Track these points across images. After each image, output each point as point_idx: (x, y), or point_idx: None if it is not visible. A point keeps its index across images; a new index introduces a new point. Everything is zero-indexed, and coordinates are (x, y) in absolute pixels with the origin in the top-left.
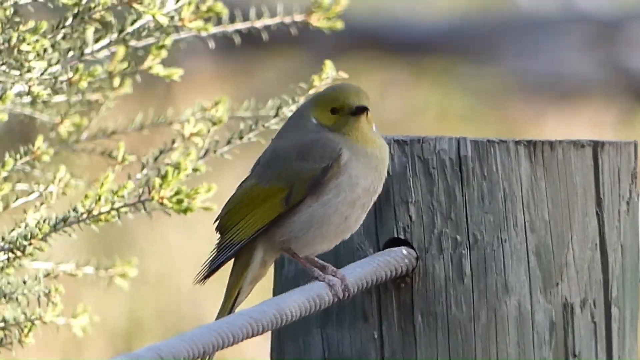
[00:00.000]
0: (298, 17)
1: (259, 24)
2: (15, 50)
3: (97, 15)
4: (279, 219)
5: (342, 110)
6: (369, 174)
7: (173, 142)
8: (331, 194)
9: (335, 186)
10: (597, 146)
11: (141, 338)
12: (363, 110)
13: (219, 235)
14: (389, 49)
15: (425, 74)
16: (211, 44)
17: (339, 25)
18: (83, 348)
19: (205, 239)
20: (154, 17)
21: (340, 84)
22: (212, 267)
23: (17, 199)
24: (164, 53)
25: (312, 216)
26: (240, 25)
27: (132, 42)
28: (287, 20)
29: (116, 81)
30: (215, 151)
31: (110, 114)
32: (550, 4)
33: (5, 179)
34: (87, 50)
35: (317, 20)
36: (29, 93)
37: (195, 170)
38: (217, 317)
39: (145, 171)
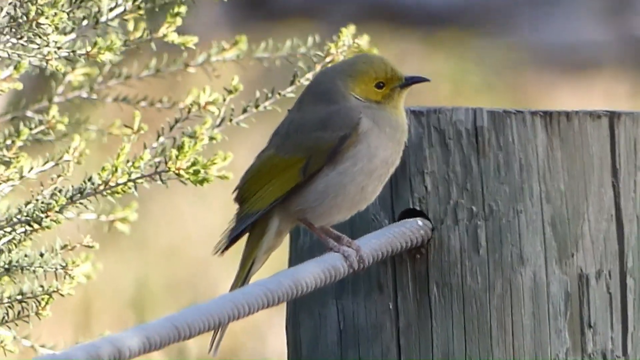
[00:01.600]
0: None
1: None
2: (34, 24)
3: None
4: (296, 189)
5: (390, 82)
6: (390, 145)
7: (189, 111)
8: (348, 163)
9: (352, 155)
10: (613, 117)
11: (153, 310)
12: (420, 80)
13: (237, 206)
14: (403, 21)
15: (440, 46)
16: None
17: None
18: (94, 319)
19: (218, 210)
20: None
21: (367, 56)
22: (231, 237)
23: (31, 169)
24: (178, 20)
25: (328, 185)
26: None
27: (147, 5)
28: None
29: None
30: (231, 120)
31: (124, 62)
32: None
33: (21, 149)
34: (102, 19)
35: None
36: (45, 68)
37: (211, 138)
38: (232, 286)
39: (161, 139)
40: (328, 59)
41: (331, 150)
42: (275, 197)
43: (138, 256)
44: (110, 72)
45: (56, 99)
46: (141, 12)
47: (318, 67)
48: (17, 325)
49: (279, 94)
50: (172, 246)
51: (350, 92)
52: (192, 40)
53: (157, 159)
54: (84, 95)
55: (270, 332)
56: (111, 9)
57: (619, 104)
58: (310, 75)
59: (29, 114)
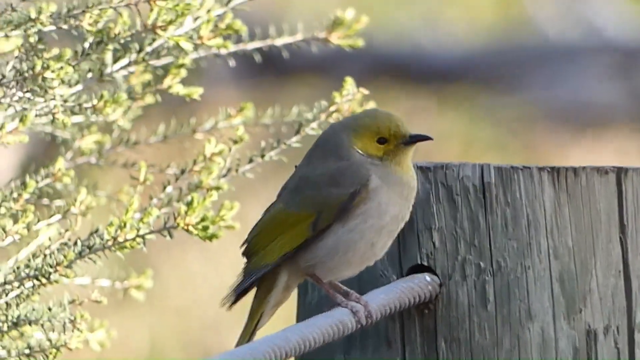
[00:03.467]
0: (319, 35)
1: (279, 41)
2: (40, 78)
3: (119, 41)
4: (305, 244)
5: (394, 139)
6: (398, 201)
7: (194, 162)
8: (358, 220)
9: (362, 212)
10: (620, 172)
11: None
12: (424, 138)
13: (245, 260)
14: (413, 77)
15: (450, 103)
16: (231, 63)
17: (360, 43)
18: None
19: (228, 268)
20: (176, 43)
21: (373, 111)
22: (239, 291)
23: (38, 221)
24: (183, 72)
25: (338, 242)
26: (259, 44)
27: (152, 62)
28: (308, 37)
29: (138, 107)
30: (237, 170)
31: (132, 128)
32: (575, 33)
33: (27, 201)
34: (107, 71)
35: (338, 38)
36: (53, 121)
37: (217, 188)
38: (239, 341)
39: (168, 190)
40: (333, 108)
41: (341, 206)
42: (285, 251)
43: (148, 315)
44: (119, 138)
45: (65, 164)
46: (144, 67)
47: (323, 116)
48: None
49: (284, 143)
50: (183, 305)
51: (353, 147)
52: (197, 92)
53: (164, 210)
54: (93, 161)
55: None
56: (115, 61)
57: (630, 161)
58: (315, 125)
59: (36, 175)
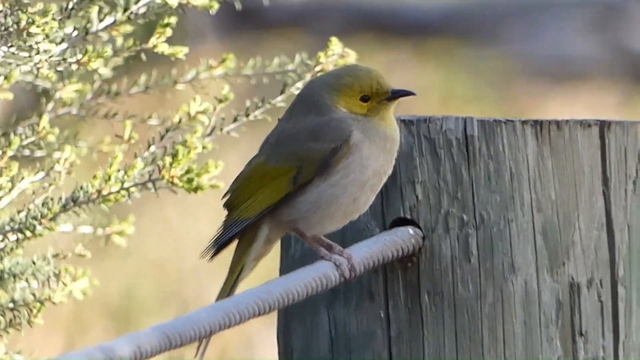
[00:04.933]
0: None
1: None
2: (25, 33)
3: None
4: (286, 199)
5: (376, 96)
6: (381, 155)
7: (179, 120)
8: (340, 175)
9: (344, 167)
10: (603, 126)
11: (143, 319)
12: (406, 94)
13: (226, 212)
14: (392, 31)
15: (429, 56)
16: (212, 12)
17: None
18: (85, 328)
19: (206, 221)
20: None
21: (354, 68)
22: (219, 244)
23: (22, 178)
24: (168, 31)
25: (319, 197)
26: None
27: (138, 21)
28: None
29: (120, 59)
30: (221, 129)
31: (114, 79)
32: None
33: (12, 159)
34: (92, 29)
35: None
36: (37, 76)
37: (203, 147)
38: (220, 293)
39: (152, 149)
40: (318, 68)
41: (322, 161)
42: (266, 205)
43: (126, 266)
44: (100, 89)
45: (46, 116)
46: (130, 25)
47: (308, 76)
48: (8, 333)
49: (269, 103)
50: (161, 257)
51: (336, 105)
52: (182, 51)
53: (149, 168)
54: (74, 111)
55: (259, 341)
56: (101, 20)
57: (607, 114)
58: (300, 84)
59: (20, 129)
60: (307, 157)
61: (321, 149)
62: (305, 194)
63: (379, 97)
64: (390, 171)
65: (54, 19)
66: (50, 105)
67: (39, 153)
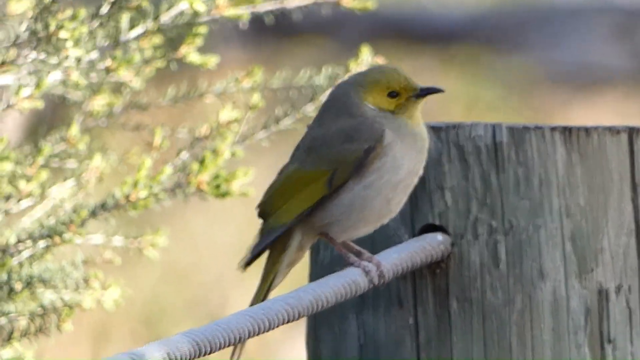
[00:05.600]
0: None
1: (291, 3)
2: (54, 38)
3: (133, 3)
4: (321, 203)
5: (404, 92)
6: (413, 155)
7: (211, 130)
8: (374, 176)
9: (378, 168)
10: (632, 132)
11: (168, 327)
12: (435, 91)
13: (260, 221)
14: (417, 38)
15: (453, 63)
16: (242, 25)
17: (370, 5)
18: (111, 336)
19: (232, 229)
20: (191, 4)
21: (380, 67)
22: (255, 252)
23: (52, 185)
24: (199, 41)
25: (354, 199)
26: (271, 5)
27: (168, 31)
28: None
29: (151, 69)
30: (251, 137)
31: (143, 90)
32: None
33: (42, 166)
34: (122, 38)
35: (349, 1)
36: (66, 83)
37: (232, 154)
38: (253, 301)
39: (182, 156)
40: (347, 76)
41: (357, 162)
42: (301, 210)
43: (152, 274)
44: (130, 101)
45: (76, 124)
46: (160, 36)
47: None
48: (38, 338)
49: (299, 111)
50: (186, 265)
51: (364, 102)
52: (212, 61)
53: (177, 174)
54: (104, 123)
55: (284, 348)
56: (131, 27)
57: (631, 121)
58: (329, 92)
59: (49, 140)
60: (342, 159)
61: (355, 149)
62: (339, 197)
63: (407, 93)
64: (421, 171)
65: (83, 24)
66: (79, 117)
67: (69, 163)
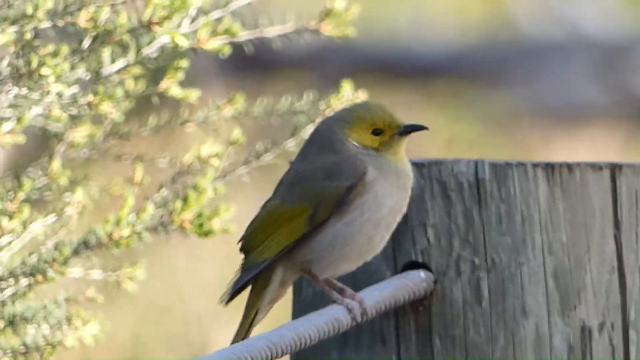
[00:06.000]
0: (310, 25)
1: (270, 32)
2: (35, 74)
3: (115, 37)
4: (302, 239)
5: (388, 130)
6: (396, 192)
7: (191, 164)
8: (355, 213)
9: (359, 205)
10: (615, 168)
11: None
12: (419, 128)
13: (241, 257)
14: (397, 73)
15: (434, 98)
16: (222, 56)
17: (350, 32)
18: None
19: (212, 265)
20: (172, 39)
21: (365, 104)
22: (236, 287)
23: (33, 222)
24: (180, 75)
25: (335, 236)
26: (249, 35)
27: (149, 64)
28: (299, 27)
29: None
30: (232, 172)
31: (124, 120)
32: (557, 30)
33: (23, 203)
34: (104, 72)
35: (329, 29)
36: (48, 118)
37: (214, 189)
38: (235, 337)
39: (163, 192)
40: (328, 112)
41: (338, 199)
42: (282, 246)
43: (133, 310)
44: (111, 130)
45: (57, 157)
46: (142, 68)
47: (319, 120)
48: None
49: (279, 146)
50: (167, 301)
51: (348, 139)
52: (193, 94)
53: (160, 211)
54: (85, 154)
55: None
56: (113, 61)
57: (612, 156)
58: (311, 127)
59: (30, 171)
60: (323, 195)
61: (336, 187)
62: (321, 233)
63: (391, 130)
64: (405, 209)
65: (65, 60)
66: (60, 148)
67: (49, 196)
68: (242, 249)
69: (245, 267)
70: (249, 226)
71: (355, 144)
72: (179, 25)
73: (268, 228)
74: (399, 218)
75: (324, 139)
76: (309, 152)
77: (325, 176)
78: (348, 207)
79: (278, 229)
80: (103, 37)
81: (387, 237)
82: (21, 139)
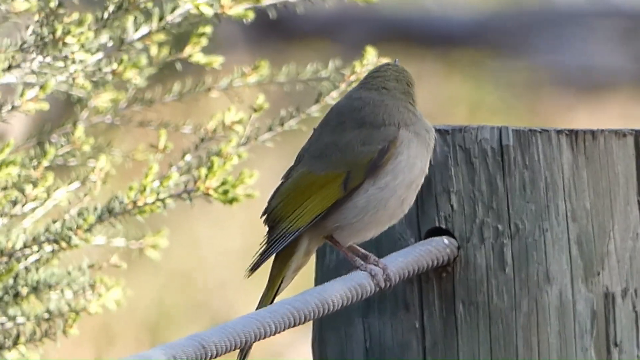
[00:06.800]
0: None
1: None
2: (60, 43)
3: (139, 5)
4: (334, 206)
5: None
6: (424, 152)
7: (214, 131)
8: (389, 177)
9: (392, 168)
10: (638, 135)
11: (172, 331)
12: None
13: (266, 228)
14: (420, 42)
15: (456, 67)
16: (246, 21)
17: None
18: (114, 340)
19: (234, 233)
20: (196, 5)
21: (387, 64)
22: (267, 257)
23: (57, 188)
24: (204, 41)
25: (369, 200)
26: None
27: (172, 31)
28: None
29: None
30: (256, 138)
31: (147, 86)
32: None
33: (47, 169)
34: (127, 39)
35: None
36: (72, 85)
37: (238, 156)
38: (259, 305)
39: (187, 158)
40: (352, 78)
41: (371, 164)
42: (315, 214)
43: (155, 278)
44: (134, 97)
45: (81, 125)
46: (164, 35)
47: (343, 86)
48: (43, 343)
49: (304, 112)
50: (188, 268)
51: (393, 91)
52: (217, 61)
53: (183, 178)
54: (109, 120)
55: (290, 351)
56: (136, 29)
57: (635, 124)
58: (335, 94)
59: (54, 138)
60: (356, 161)
61: (369, 151)
62: (353, 199)
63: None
64: (427, 169)
65: (89, 29)
66: (84, 114)
67: (73, 162)
68: (268, 220)
69: (275, 237)
70: (273, 197)
71: (399, 95)
72: None
73: (299, 197)
74: (423, 179)
75: (355, 105)
76: (334, 120)
77: (357, 142)
78: (381, 170)
79: (309, 197)
80: (127, 5)
81: (414, 197)
82: (45, 105)
